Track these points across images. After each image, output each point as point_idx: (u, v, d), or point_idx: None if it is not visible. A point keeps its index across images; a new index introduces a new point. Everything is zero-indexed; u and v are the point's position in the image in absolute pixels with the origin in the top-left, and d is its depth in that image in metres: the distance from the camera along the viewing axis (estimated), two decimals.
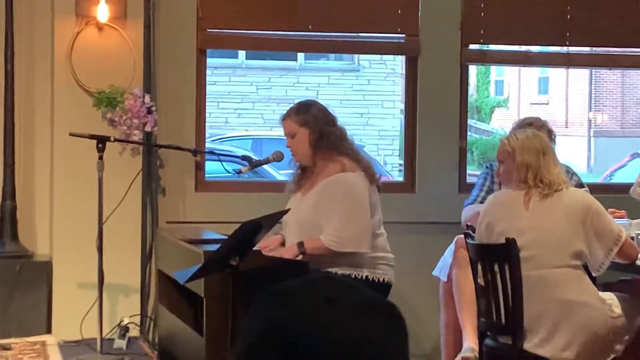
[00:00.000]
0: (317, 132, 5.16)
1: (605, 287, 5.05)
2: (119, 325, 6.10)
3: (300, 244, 5.05)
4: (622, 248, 4.68)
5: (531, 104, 26.92)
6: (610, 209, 5.33)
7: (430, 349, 6.41)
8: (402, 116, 7.32)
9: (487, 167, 6.13)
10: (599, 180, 15.45)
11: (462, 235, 5.29)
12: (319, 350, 1.42)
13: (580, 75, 26.00)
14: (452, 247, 5.73)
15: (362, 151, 5.56)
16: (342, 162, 5.15)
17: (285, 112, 5.32)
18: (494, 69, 27.25)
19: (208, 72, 6.74)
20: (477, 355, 5.20)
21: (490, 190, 5.79)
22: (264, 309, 1.48)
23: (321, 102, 5.55)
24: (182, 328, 5.47)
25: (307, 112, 5.22)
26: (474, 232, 5.02)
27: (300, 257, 5.03)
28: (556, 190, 4.71)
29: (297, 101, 5.44)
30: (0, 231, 6.21)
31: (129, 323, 6.10)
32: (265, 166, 8.70)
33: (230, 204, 6.38)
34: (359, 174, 5.13)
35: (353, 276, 5.07)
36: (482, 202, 5.74)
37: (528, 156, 4.78)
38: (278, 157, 5.46)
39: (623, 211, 5.50)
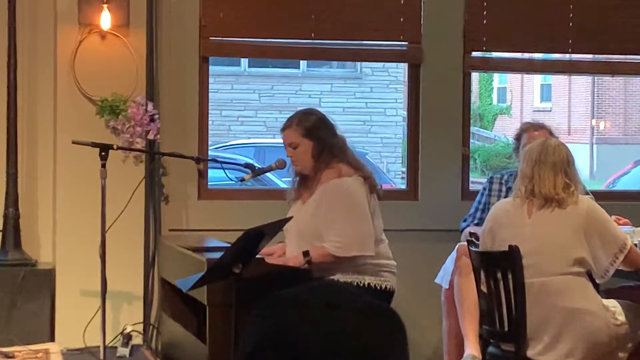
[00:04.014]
0: (320, 143, 5.15)
1: (607, 294, 5.05)
2: (122, 333, 6.10)
3: (306, 253, 5.04)
4: (628, 255, 4.67)
5: (534, 111, 26.92)
6: (613, 216, 5.33)
7: (431, 356, 6.40)
8: (405, 124, 7.34)
9: (488, 180, 6.16)
10: (601, 187, 15.44)
11: (464, 243, 5.29)
12: (320, 354, 1.42)
13: (582, 83, 26.00)
14: (453, 254, 5.73)
15: (363, 160, 5.55)
16: (339, 168, 5.14)
17: (285, 122, 5.30)
18: (496, 76, 27.28)
19: (210, 79, 6.75)
20: None
21: (486, 206, 5.83)
22: (266, 315, 1.49)
23: (324, 109, 5.54)
24: (185, 336, 5.47)
25: (308, 122, 5.20)
26: (477, 240, 5.02)
27: (306, 266, 5.03)
28: (556, 205, 4.68)
29: (297, 110, 5.41)
30: (3, 239, 6.21)
31: (132, 331, 6.10)
32: (268, 174, 8.70)
33: (233, 211, 6.38)
34: (357, 178, 5.12)
35: (355, 283, 5.06)
36: (478, 223, 5.78)
37: (523, 165, 4.79)
38: (281, 165, 5.45)
39: (626, 220, 5.49)
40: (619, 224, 5.29)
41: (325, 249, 5.02)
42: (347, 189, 5.08)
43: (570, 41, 6.86)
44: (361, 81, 19.05)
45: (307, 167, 5.20)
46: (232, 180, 6.42)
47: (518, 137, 5.95)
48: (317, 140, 5.15)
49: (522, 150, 5.74)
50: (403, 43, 6.77)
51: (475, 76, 22.51)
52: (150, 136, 6.14)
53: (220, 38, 6.56)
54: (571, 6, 6.82)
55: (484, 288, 4.84)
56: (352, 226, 5.04)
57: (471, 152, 7.41)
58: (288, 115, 5.37)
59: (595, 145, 25.90)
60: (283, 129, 5.26)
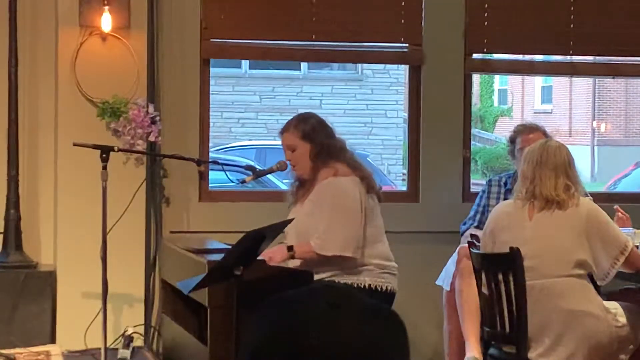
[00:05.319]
0: (318, 146, 5.17)
1: (608, 296, 5.05)
2: (123, 335, 6.10)
3: (290, 248, 5.09)
4: (629, 257, 4.67)
5: (535, 112, 26.93)
6: (615, 205, 5.35)
7: (432, 357, 6.40)
8: (406, 125, 7.34)
9: (486, 182, 6.17)
10: (602, 189, 15.45)
11: (465, 245, 5.29)
12: (322, 356, 1.42)
13: (583, 84, 26.01)
14: (455, 256, 5.73)
15: (362, 161, 5.56)
16: (336, 168, 5.16)
17: (283, 125, 5.32)
18: (497, 78, 27.27)
19: (211, 81, 6.75)
20: None
21: (485, 208, 5.84)
22: (268, 316, 1.49)
23: (324, 111, 5.58)
24: (186, 338, 5.47)
25: (307, 125, 5.22)
26: (478, 242, 5.02)
27: (290, 260, 5.07)
28: (557, 207, 4.68)
29: (296, 114, 5.45)
30: (5, 241, 6.21)
31: (133, 333, 6.10)
32: (269, 175, 8.70)
33: (234, 213, 6.38)
34: (353, 178, 5.13)
35: (356, 285, 5.07)
36: (477, 226, 5.79)
37: (524, 166, 4.80)
38: (282, 167, 5.46)
39: (627, 215, 5.49)
40: (619, 217, 5.31)
41: (309, 245, 5.06)
42: (339, 188, 5.10)
43: (571, 43, 6.86)
44: (362, 83, 19.05)
45: (306, 169, 5.21)
46: (233, 182, 6.42)
47: (512, 140, 5.97)
48: (315, 142, 5.17)
49: (517, 152, 5.77)
50: (404, 45, 6.77)
51: (476, 78, 22.50)
52: (151, 138, 6.14)
53: (221, 40, 6.56)
54: (572, 8, 6.82)
55: (485, 290, 4.84)
56: (338, 226, 5.06)
57: (472, 153, 7.41)
58: (289, 117, 5.39)
59: (596, 147, 25.91)
60: (281, 132, 5.29)
